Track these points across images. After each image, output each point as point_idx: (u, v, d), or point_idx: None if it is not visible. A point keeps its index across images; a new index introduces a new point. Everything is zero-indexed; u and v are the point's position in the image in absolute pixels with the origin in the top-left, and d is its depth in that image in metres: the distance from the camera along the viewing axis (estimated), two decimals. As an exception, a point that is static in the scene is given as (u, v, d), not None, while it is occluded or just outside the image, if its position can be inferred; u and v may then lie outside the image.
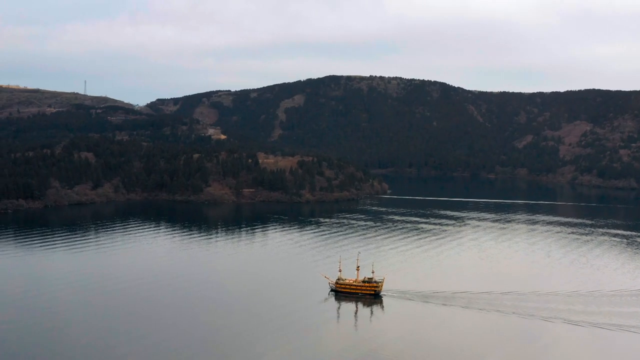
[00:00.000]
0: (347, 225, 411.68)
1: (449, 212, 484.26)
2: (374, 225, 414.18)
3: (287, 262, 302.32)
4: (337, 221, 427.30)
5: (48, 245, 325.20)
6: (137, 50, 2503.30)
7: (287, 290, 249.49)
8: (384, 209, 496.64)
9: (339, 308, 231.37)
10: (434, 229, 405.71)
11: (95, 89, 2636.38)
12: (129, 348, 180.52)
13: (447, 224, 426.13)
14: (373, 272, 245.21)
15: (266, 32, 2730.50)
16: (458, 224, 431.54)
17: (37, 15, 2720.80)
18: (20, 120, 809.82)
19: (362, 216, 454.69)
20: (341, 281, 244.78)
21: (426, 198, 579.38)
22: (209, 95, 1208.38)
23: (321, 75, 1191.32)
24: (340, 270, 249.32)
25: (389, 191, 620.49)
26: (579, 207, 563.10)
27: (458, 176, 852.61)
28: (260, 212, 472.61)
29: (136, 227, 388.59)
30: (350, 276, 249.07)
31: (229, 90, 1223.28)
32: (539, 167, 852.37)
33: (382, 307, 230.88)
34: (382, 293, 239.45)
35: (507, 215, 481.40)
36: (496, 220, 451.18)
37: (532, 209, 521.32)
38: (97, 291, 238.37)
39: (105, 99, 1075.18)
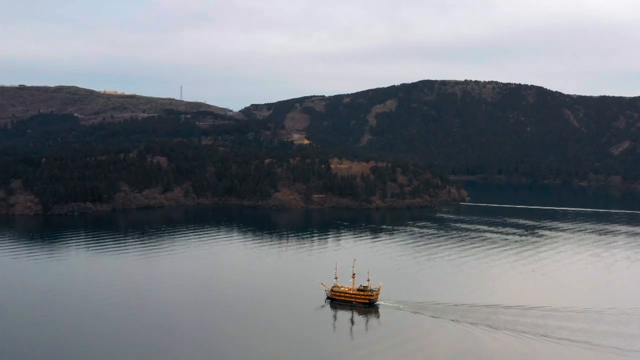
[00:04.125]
0: (407, 232, 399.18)
1: (523, 221, 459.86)
2: (436, 233, 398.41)
3: (309, 269, 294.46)
4: (401, 229, 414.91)
5: (120, 249, 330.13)
6: (247, 56, 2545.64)
7: (290, 296, 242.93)
8: (454, 217, 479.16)
9: (334, 315, 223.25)
10: (498, 238, 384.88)
11: (197, 95, 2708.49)
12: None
13: (514, 234, 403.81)
14: (369, 280, 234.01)
15: (376, 37, 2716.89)
16: (527, 233, 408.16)
17: (151, 23, 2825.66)
18: (111, 125, 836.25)
19: (428, 224, 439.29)
20: (336, 289, 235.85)
21: (507, 206, 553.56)
22: (301, 100, 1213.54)
23: (416, 80, 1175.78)
24: (336, 277, 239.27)
25: (467, 198, 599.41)
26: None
27: (549, 183, 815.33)
28: (326, 218, 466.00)
29: (207, 232, 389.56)
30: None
31: (323, 96, 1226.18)
32: (634, 174, 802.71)
33: (377, 316, 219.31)
34: (377, 302, 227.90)
35: (583, 225, 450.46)
36: (567, 230, 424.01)
37: (618, 220, 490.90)
38: (185, 302, 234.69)
39: (199, 105, 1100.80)
